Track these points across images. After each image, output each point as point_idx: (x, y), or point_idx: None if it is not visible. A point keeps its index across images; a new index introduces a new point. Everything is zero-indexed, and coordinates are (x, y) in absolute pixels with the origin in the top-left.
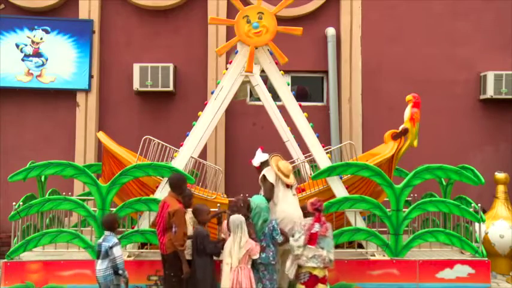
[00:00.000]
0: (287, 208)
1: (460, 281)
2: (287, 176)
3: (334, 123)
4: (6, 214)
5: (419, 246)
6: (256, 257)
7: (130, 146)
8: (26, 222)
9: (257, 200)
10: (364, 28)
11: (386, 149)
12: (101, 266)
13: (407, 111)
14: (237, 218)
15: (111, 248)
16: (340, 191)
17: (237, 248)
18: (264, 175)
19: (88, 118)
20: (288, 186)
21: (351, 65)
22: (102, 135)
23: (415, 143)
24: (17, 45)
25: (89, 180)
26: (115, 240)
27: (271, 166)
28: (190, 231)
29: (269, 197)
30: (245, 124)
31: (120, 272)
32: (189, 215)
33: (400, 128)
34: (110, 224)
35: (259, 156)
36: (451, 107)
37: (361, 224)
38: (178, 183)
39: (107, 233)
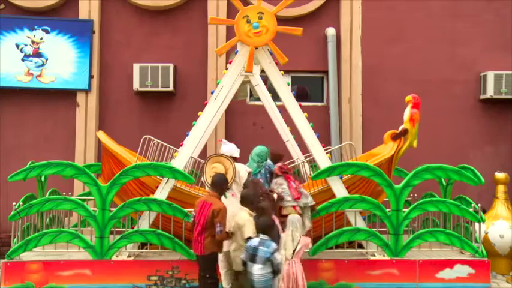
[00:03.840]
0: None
1: (460, 281)
2: None
3: (334, 123)
4: (6, 214)
5: (419, 246)
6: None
7: (130, 146)
8: (26, 222)
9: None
10: (364, 28)
11: (386, 149)
12: (261, 271)
13: (407, 112)
14: (294, 217)
15: (272, 253)
16: (340, 191)
17: (290, 242)
18: None
19: (88, 118)
20: None
21: (351, 65)
22: (101, 135)
23: (415, 144)
24: (17, 45)
25: (89, 180)
26: (274, 245)
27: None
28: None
29: None
30: (245, 124)
31: (279, 275)
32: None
33: (400, 128)
34: (266, 228)
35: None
36: (451, 107)
37: (361, 224)
38: (220, 182)
39: (263, 236)
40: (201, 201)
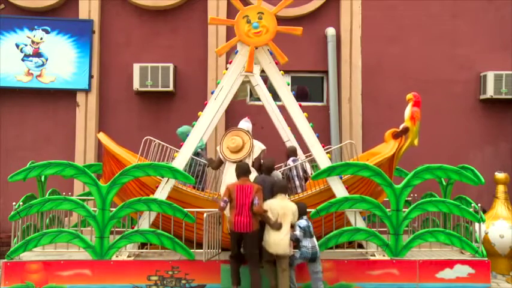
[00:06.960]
0: (230, 179)
1: (460, 281)
2: (234, 153)
3: (334, 123)
4: (6, 214)
5: (419, 246)
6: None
7: (130, 146)
8: (26, 222)
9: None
10: (364, 28)
11: (387, 148)
12: (314, 242)
13: (408, 110)
14: None
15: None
16: (340, 191)
17: None
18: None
19: (88, 118)
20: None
21: (351, 65)
22: (102, 136)
23: (416, 142)
24: (17, 45)
25: (89, 180)
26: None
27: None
28: None
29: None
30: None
31: None
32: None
33: (401, 127)
34: (305, 210)
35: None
36: (451, 107)
37: (361, 224)
38: (244, 170)
39: (304, 217)
40: (237, 186)
